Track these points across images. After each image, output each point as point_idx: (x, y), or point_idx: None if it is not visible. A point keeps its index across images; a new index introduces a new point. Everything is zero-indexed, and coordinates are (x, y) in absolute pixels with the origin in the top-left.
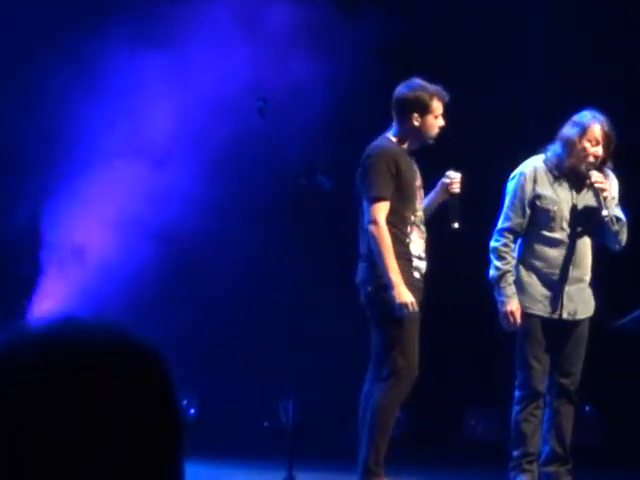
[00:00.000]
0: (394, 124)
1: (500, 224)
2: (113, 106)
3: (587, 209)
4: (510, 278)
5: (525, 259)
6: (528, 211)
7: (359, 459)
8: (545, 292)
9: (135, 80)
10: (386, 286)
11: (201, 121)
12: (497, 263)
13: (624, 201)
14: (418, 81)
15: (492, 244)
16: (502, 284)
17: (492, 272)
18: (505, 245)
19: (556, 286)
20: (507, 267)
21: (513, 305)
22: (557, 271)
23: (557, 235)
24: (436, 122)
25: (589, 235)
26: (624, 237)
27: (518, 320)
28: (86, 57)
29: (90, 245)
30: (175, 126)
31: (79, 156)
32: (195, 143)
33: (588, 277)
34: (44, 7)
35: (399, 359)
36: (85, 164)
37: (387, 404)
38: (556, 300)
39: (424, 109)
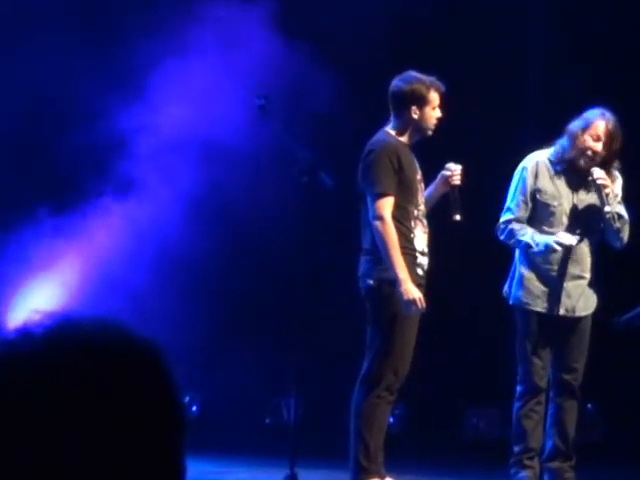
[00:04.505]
0: (392, 118)
1: (503, 217)
2: None
3: (588, 205)
4: (537, 233)
5: (524, 254)
6: (530, 205)
7: (350, 458)
8: (543, 288)
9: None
10: (388, 281)
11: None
12: (519, 236)
13: (626, 198)
14: (413, 74)
15: (501, 237)
16: (536, 240)
17: (522, 244)
18: (516, 226)
19: (555, 282)
20: (529, 231)
21: (556, 234)
22: (556, 267)
23: (557, 230)
24: (434, 113)
25: (589, 232)
26: (626, 235)
27: (573, 236)
28: None
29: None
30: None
31: None
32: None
33: (588, 274)
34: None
35: (391, 358)
36: None
37: (375, 402)
38: (554, 296)
39: (422, 101)
